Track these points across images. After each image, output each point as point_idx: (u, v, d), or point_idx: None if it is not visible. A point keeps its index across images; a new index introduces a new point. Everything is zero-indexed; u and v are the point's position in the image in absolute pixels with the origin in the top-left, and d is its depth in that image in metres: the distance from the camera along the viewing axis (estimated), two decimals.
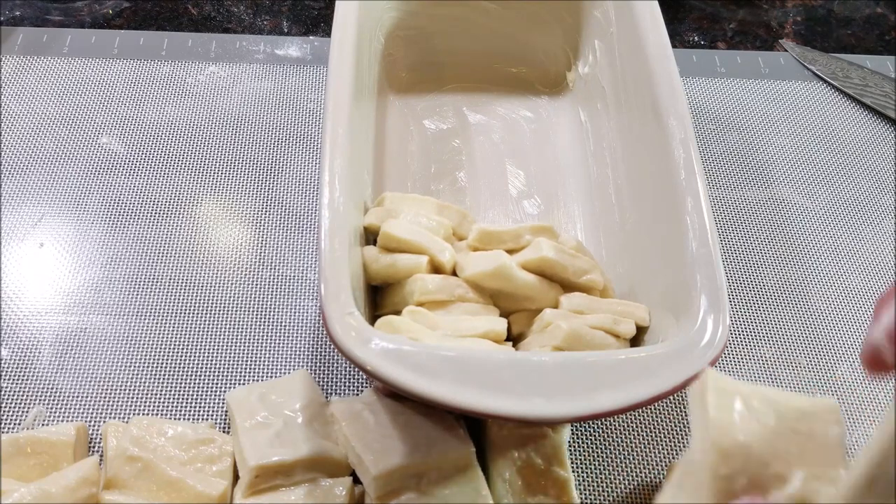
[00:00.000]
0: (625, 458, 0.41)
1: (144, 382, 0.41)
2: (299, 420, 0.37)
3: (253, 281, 0.46)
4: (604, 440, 0.42)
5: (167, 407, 0.41)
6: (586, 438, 0.42)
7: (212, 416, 0.40)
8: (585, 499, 0.40)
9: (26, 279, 0.44)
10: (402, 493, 0.35)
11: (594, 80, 0.50)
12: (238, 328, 0.44)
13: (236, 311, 0.44)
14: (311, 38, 0.59)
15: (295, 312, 0.45)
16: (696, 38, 0.64)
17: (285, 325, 0.44)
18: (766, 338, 0.47)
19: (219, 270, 0.46)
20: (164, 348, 0.42)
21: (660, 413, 0.43)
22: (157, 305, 0.44)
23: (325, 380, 0.42)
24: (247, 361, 0.43)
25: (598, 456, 0.41)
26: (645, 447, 0.42)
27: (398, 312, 0.37)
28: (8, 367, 0.41)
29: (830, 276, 0.50)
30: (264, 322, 0.44)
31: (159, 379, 0.41)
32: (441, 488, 0.35)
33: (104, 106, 0.52)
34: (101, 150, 0.50)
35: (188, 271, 0.46)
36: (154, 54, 0.56)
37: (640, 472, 0.41)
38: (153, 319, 0.43)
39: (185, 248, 0.46)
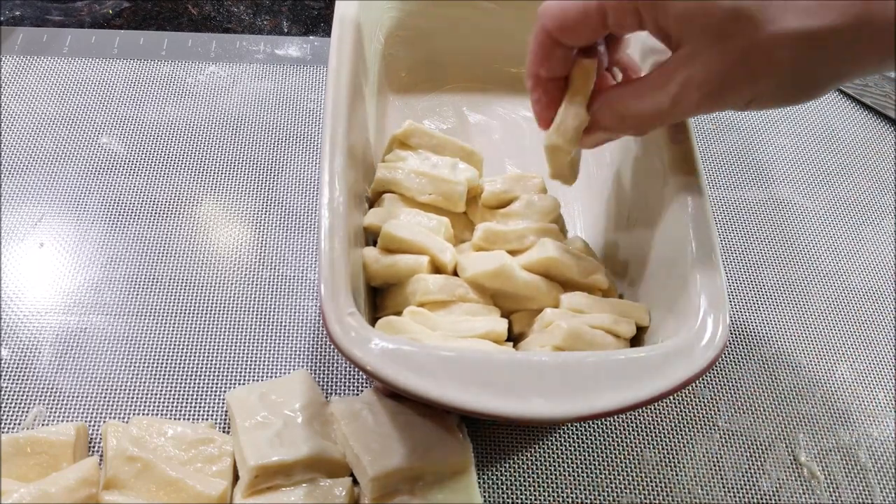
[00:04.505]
0: (625, 458, 0.41)
1: (144, 382, 0.41)
2: (299, 420, 0.37)
3: (253, 281, 0.46)
4: (604, 440, 0.42)
5: (167, 407, 0.41)
6: (586, 438, 0.42)
7: (212, 416, 0.40)
8: (585, 499, 0.40)
9: (26, 279, 0.44)
10: (395, 496, 0.35)
11: None
12: (238, 328, 0.44)
13: (236, 311, 0.44)
14: (311, 38, 0.59)
15: (295, 312, 0.45)
16: None
17: (285, 325, 0.44)
18: (766, 338, 0.47)
19: (219, 270, 0.46)
20: (164, 348, 0.42)
21: (660, 413, 0.43)
22: (157, 305, 0.44)
23: (325, 380, 0.42)
24: (247, 361, 0.43)
25: (598, 456, 0.41)
26: (645, 447, 0.42)
27: (399, 314, 0.37)
28: (8, 367, 0.41)
29: (830, 276, 0.50)
30: (264, 322, 0.44)
31: (159, 379, 0.41)
32: (435, 492, 0.35)
33: (104, 106, 0.52)
34: (101, 150, 0.50)
35: (188, 271, 0.46)
36: (154, 54, 0.56)
37: (640, 472, 0.41)
38: (153, 319, 0.43)
39: (185, 248, 0.46)
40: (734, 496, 0.41)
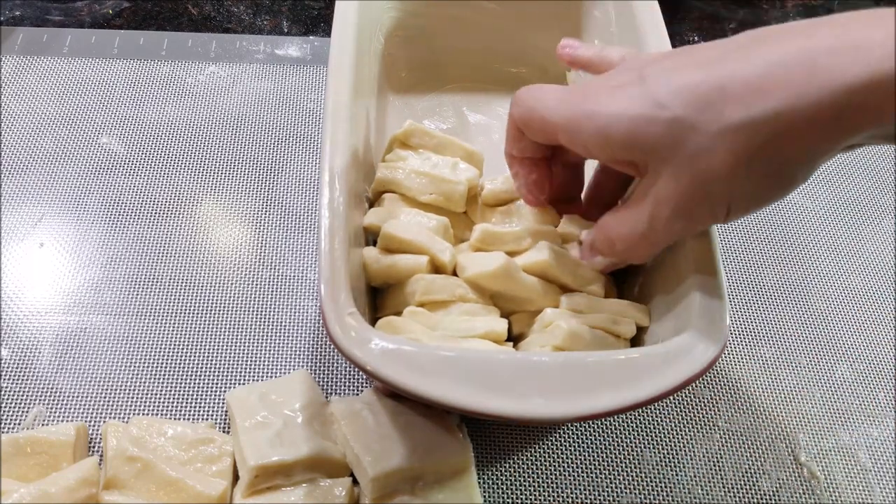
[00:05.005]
0: (625, 458, 0.41)
1: (144, 382, 0.41)
2: (299, 420, 0.37)
3: (253, 281, 0.46)
4: (604, 440, 0.42)
5: (167, 407, 0.41)
6: (586, 438, 0.42)
7: (212, 416, 0.40)
8: (585, 499, 0.40)
9: (26, 279, 0.44)
10: (395, 496, 0.35)
11: None
12: (238, 328, 0.44)
13: (236, 311, 0.44)
14: (311, 38, 0.59)
15: (295, 312, 0.45)
16: (696, 38, 0.64)
17: (285, 325, 0.44)
18: (766, 338, 0.47)
19: (219, 270, 0.46)
20: (164, 348, 0.42)
21: (660, 413, 0.43)
22: (157, 305, 0.44)
23: (325, 380, 0.42)
24: (247, 361, 0.43)
25: (598, 456, 0.41)
26: (645, 447, 0.42)
27: (399, 314, 0.37)
28: (8, 367, 0.41)
29: (830, 276, 0.50)
30: (264, 322, 0.44)
31: (159, 379, 0.41)
32: (435, 492, 0.35)
33: (104, 106, 0.52)
34: (101, 150, 0.50)
35: (188, 271, 0.46)
36: (154, 54, 0.56)
37: (640, 472, 0.41)
38: (153, 319, 0.43)
39: (185, 248, 0.46)
40: (734, 496, 0.41)
